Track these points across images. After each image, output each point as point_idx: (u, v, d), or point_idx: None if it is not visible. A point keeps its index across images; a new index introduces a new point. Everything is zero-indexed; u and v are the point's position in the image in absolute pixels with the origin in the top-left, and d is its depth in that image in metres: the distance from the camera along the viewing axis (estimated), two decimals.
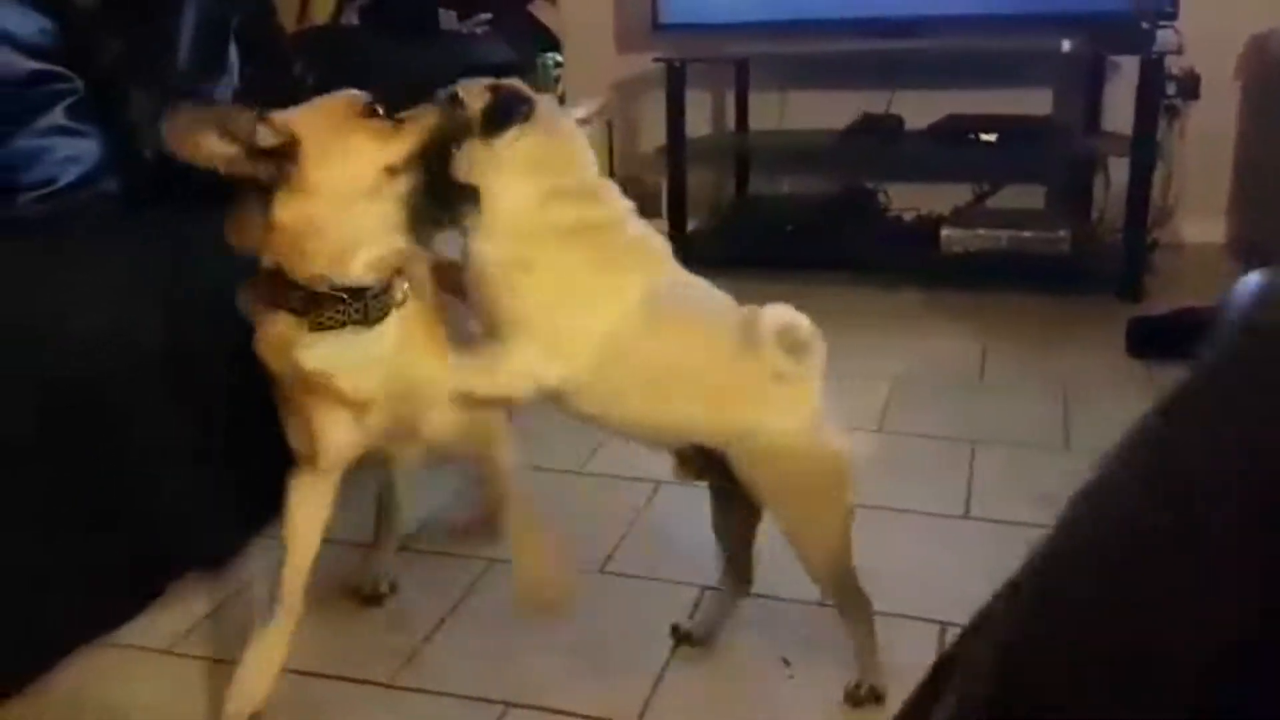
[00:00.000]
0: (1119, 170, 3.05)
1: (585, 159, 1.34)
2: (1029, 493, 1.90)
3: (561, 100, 2.94)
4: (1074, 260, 2.99)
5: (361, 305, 1.19)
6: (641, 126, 3.64)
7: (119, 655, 1.53)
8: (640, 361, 1.27)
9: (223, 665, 1.49)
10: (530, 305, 1.23)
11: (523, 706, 1.40)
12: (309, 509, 1.32)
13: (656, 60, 3.11)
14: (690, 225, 3.30)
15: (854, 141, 3.16)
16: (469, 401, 1.28)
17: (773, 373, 1.31)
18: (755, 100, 3.44)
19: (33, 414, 1.44)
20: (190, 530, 1.70)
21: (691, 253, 3.24)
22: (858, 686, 1.42)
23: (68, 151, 1.98)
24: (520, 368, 1.23)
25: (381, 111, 1.23)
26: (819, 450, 1.35)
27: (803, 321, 1.34)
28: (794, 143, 3.34)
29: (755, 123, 3.46)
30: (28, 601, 1.43)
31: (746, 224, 3.32)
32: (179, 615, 1.61)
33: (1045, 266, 3.02)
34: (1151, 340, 2.55)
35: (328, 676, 1.46)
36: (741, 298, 2.28)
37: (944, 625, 1.55)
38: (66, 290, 1.60)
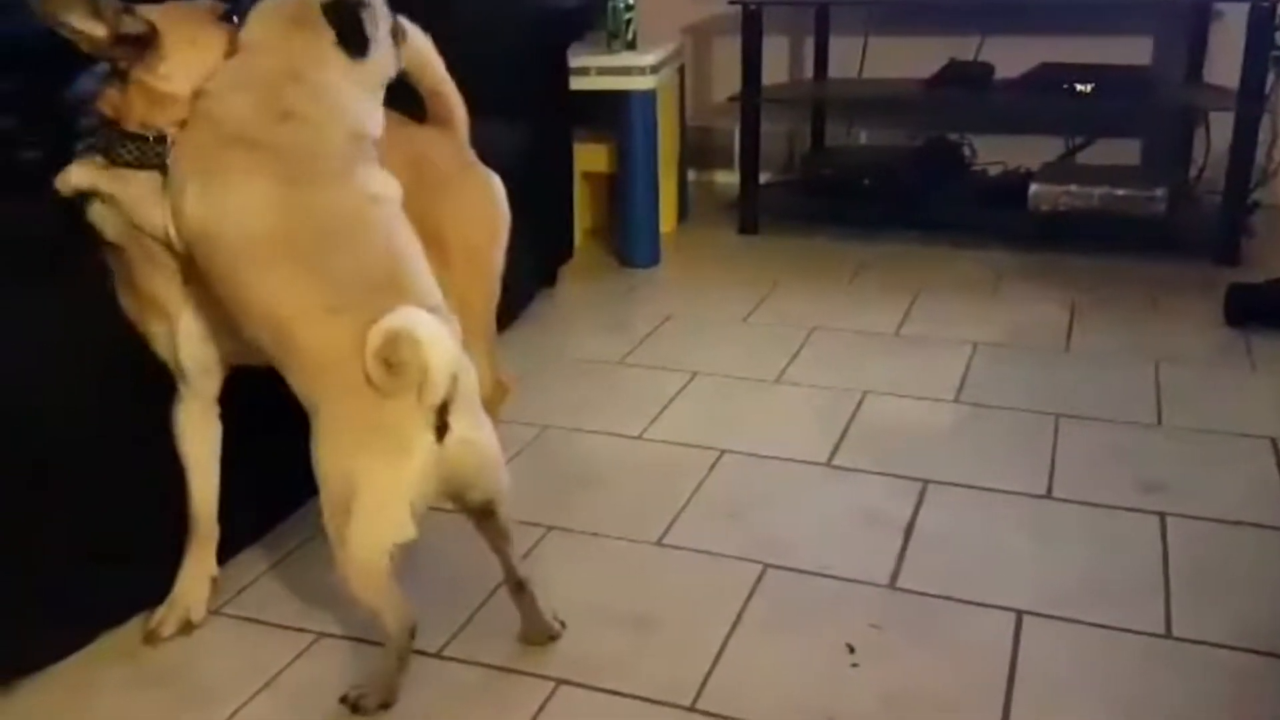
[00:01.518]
0: (1220, 126, 2.86)
1: None
2: (1117, 472, 1.79)
3: (633, 44, 2.85)
4: (1170, 221, 2.82)
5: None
6: (714, 73, 3.52)
7: None
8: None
9: (271, 627, 1.48)
10: None
11: (575, 684, 1.35)
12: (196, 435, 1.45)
13: (733, 3, 2.98)
14: (764, 178, 3.19)
15: (939, 91, 3.00)
16: None
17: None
18: (835, 46, 3.29)
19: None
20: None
21: (762, 206, 3.18)
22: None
23: None
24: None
25: (235, 20, 1.35)
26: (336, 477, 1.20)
27: (412, 335, 1.13)
28: (875, 92, 3.19)
29: (834, 70, 3.31)
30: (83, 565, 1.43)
31: (821, 177, 3.19)
32: (229, 576, 1.60)
33: (1139, 227, 2.85)
34: (1252, 310, 2.39)
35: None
36: (812, 255, 2.22)
37: (1020, 614, 1.46)
38: None
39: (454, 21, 2.51)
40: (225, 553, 1.55)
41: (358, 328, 1.14)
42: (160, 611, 1.47)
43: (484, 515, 1.35)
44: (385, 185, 1.32)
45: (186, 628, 1.47)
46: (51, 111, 1.50)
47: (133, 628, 1.47)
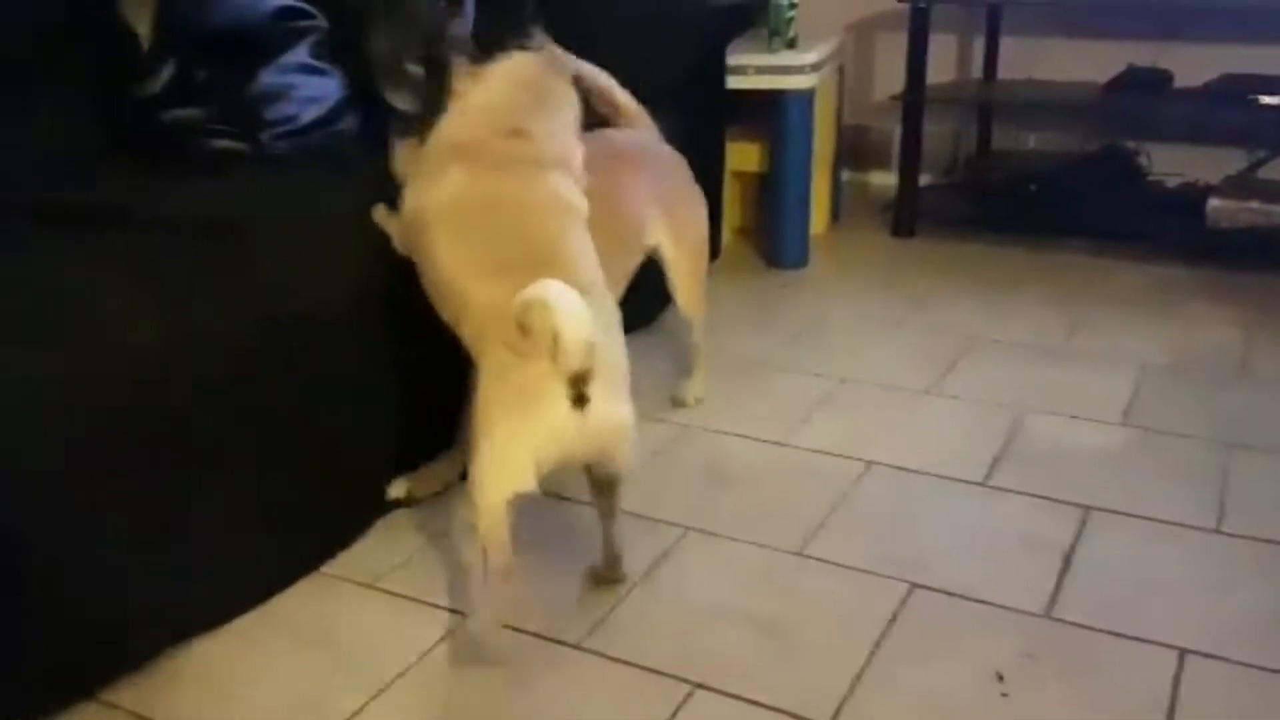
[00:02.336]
0: None
1: None
2: None
3: (794, 42, 2.81)
4: None
5: None
6: (875, 71, 3.44)
7: (329, 584, 1.58)
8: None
9: (422, 605, 1.52)
10: None
11: (711, 690, 1.34)
12: None
13: (901, 0, 2.91)
14: (923, 180, 3.10)
15: (1116, 96, 2.86)
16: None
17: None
18: (1006, 46, 3.17)
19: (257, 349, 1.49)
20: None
21: (920, 209, 3.10)
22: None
23: (310, 90, 2.03)
24: None
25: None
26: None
27: (544, 302, 1.23)
28: (1047, 95, 3.05)
29: (1003, 71, 3.19)
30: (256, 531, 1.51)
31: (986, 181, 3.09)
32: (384, 551, 1.65)
33: None
34: None
35: (518, 630, 1.46)
36: (970, 262, 2.15)
37: (1183, 652, 1.38)
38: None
39: (614, 23, 2.55)
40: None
41: (513, 293, 1.26)
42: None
43: (604, 488, 1.48)
44: (573, 196, 1.53)
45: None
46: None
47: (299, 590, 1.55)
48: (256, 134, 1.91)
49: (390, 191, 1.63)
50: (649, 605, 1.52)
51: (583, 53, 2.55)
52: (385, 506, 1.73)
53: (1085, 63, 2.99)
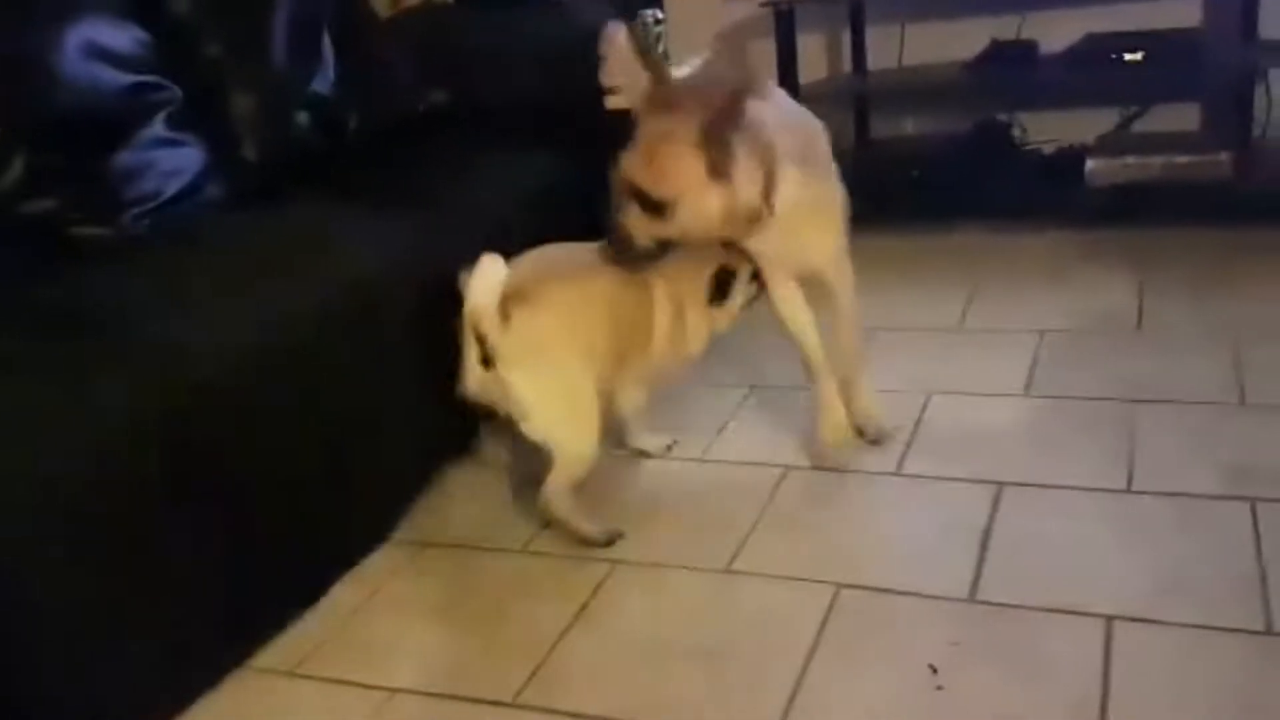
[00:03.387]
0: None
1: None
2: (1204, 459, 1.71)
3: (666, 58, 2.82)
4: (1236, 185, 2.71)
5: None
6: None
7: (255, 677, 1.53)
8: None
9: (346, 686, 1.47)
10: None
11: None
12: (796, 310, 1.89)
13: (764, 4, 2.93)
14: None
15: (983, 72, 2.92)
16: None
17: None
18: (872, 37, 3.22)
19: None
20: None
21: None
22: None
23: (170, 164, 1.98)
24: None
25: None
26: None
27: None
28: (918, 79, 3.11)
29: (873, 61, 3.24)
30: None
31: (869, 172, 3.13)
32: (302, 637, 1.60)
33: (1204, 195, 2.74)
34: None
35: (447, 696, 1.42)
36: (865, 252, 2.19)
37: (1110, 619, 1.39)
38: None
39: (481, 49, 2.54)
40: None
41: None
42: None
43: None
44: None
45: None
46: None
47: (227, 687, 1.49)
48: (117, 216, 1.85)
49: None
50: (584, 648, 1.49)
51: (460, 86, 2.54)
52: (307, 600, 1.67)
53: (951, 43, 3.05)
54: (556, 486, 1.70)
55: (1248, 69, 2.91)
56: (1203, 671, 1.30)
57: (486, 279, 1.60)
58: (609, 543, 1.70)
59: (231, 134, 2.21)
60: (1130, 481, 1.69)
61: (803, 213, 1.70)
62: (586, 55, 2.61)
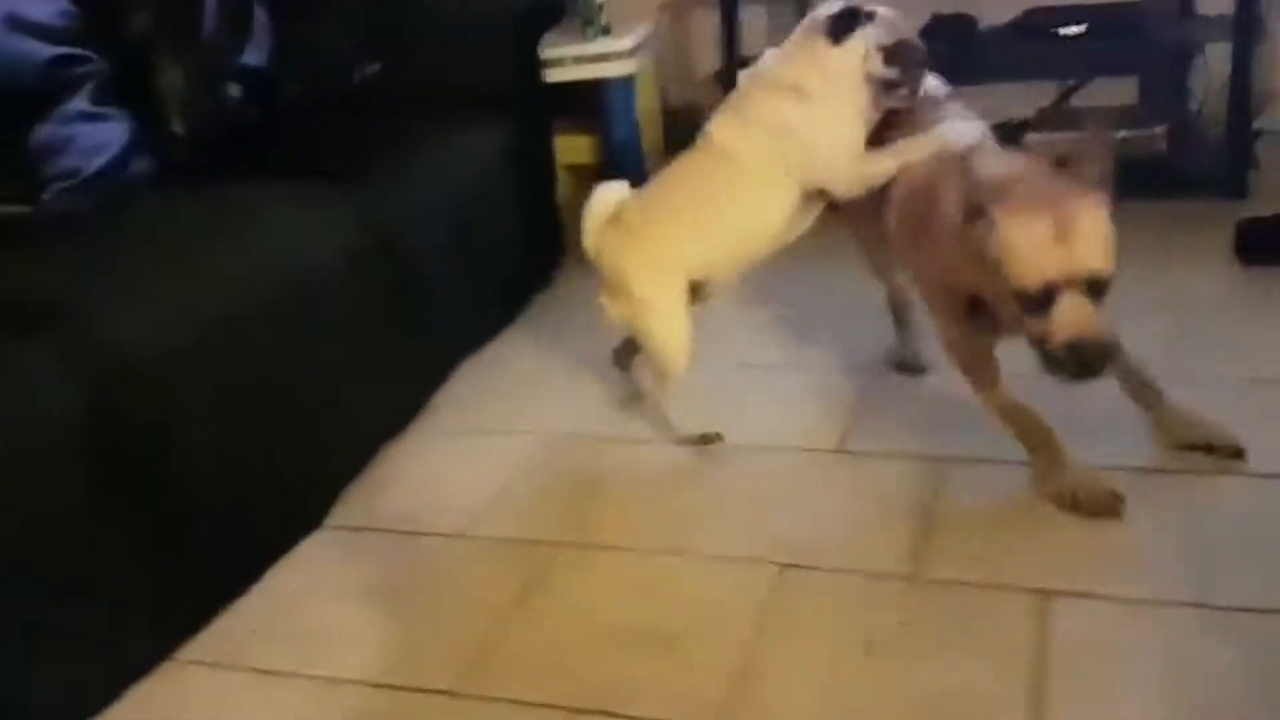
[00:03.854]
0: (1217, 56, 2.76)
1: None
2: (1143, 432, 1.73)
3: (607, 29, 2.78)
4: (1173, 159, 2.74)
5: None
6: (694, 50, 3.43)
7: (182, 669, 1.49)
8: None
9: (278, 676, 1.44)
10: None
11: (591, 712, 1.31)
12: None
13: None
14: None
15: (927, 45, 2.92)
16: None
17: None
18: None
19: None
20: None
21: None
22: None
23: (93, 139, 1.91)
24: None
25: None
26: None
27: None
28: None
29: None
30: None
31: None
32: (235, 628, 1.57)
33: (1141, 167, 2.76)
34: (1265, 244, 2.32)
35: (386, 686, 1.40)
36: (815, 229, 2.17)
37: (1047, 593, 1.41)
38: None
39: (415, 21, 2.48)
40: None
41: None
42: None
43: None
44: None
45: None
46: None
47: (156, 678, 1.44)
48: (36, 194, 1.78)
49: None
50: (528, 632, 1.47)
51: (395, 58, 2.48)
52: (239, 588, 1.63)
53: None
54: (653, 387, 1.92)
55: (1185, 44, 2.95)
56: (1142, 645, 1.31)
57: (594, 204, 1.84)
58: (706, 441, 1.86)
59: (159, 108, 2.15)
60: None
61: None
62: (524, 24, 2.57)
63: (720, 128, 1.88)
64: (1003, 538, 1.54)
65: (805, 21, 1.86)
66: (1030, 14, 2.87)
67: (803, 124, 1.78)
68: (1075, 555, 1.48)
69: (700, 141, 1.90)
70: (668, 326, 1.84)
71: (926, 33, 2.90)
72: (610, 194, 1.86)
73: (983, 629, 1.37)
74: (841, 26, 1.77)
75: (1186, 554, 1.45)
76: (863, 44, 1.77)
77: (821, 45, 1.78)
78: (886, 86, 1.78)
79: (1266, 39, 2.85)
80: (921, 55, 1.81)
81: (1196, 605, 1.35)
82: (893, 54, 1.79)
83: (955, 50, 2.93)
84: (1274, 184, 2.68)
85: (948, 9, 2.98)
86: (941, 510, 1.62)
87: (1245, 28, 2.56)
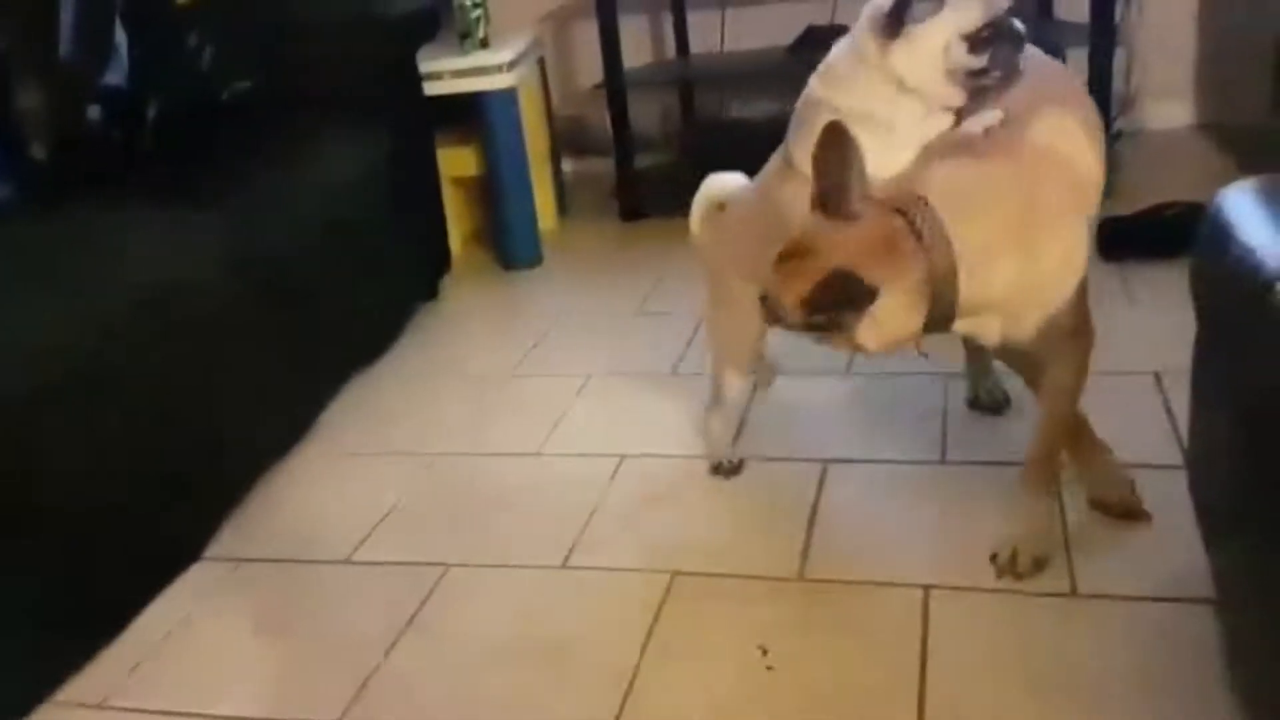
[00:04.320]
0: (1075, 60, 2.89)
1: None
2: (1009, 429, 1.79)
3: (485, 42, 2.77)
4: None
5: None
6: (577, 60, 3.45)
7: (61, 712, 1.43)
8: None
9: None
10: None
11: None
12: None
13: None
14: (643, 161, 3.14)
15: (800, 56, 2.98)
16: None
17: None
18: (694, 22, 3.25)
19: None
20: None
21: (644, 191, 3.12)
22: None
23: None
24: None
25: None
26: None
27: None
28: (738, 64, 3.16)
29: (698, 44, 3.27)
30: None
31: (696, 156, 3.16)
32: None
33: None
34: (1125, 241, 2.43)
35: None
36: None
37: (928, 589, 1.45)
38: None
39: (287, 35, 2.43)
40: None
41: None
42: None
43: None
44: None
45: None
46: None
47: None
48: None
49: None
50: (416, 657, 1.45)
51: (267, 73, 2.42)
52: (116, 625, 1.57)
53: (770, 28, 3.10)
54: (710, 397, 1.82)
55: (1045, 49, 3.06)
56: (1013, 633, 1.36)
57: (703, 192, 1.75)
58: (720, 472, 1.78)
59: (17, 133, 2.07)
60: (945, 454, 1.76)
61: None
62: (400, 36, 2.54)
63: (800, 150, 1.52)
64: (884, 535, 1.58)
65: (865, 9, 1.45)
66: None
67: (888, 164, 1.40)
68: (953, 549, 1.52)
69: (779, 162, 1.62)
70: (724, 332, 1.77)
71: (801, 43, 2.99)
72: (719, 184, 1.74)
73: (869, 625, 1.41)
74: (899, 18, 1.38)
75: (1055, 545, 1.51)
76: (941, 34, 1.39)
77: (876, 48, 1.41)
78: (972, 75, 1.41)
79: (1124, 44, 3.00)
80: (1017, 32, 1.41)
81: (1062, 595, 1.41)
82: (980, 37, 1.39)
83: None
84: (1133, 184, 2.80)
85: (821, 20, 3.06)
86: (826, 511, 1.65)
87: (1102, 32, 2.68)
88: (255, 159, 2.14)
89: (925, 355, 1.38)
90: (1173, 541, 1.43)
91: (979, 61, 1.39)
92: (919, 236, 1.27)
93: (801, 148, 1.49)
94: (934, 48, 1.39)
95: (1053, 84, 1.48)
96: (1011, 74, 1.41)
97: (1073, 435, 1.52)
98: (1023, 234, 1.30)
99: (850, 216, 1.29)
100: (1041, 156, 1.33)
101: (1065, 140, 1.36)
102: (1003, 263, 1.31)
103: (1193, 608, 1.33)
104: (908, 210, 1.29)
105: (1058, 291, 1.34)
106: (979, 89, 1.41)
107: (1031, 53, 1.47)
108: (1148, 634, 1.33)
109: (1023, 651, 1.33)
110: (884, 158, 1.38)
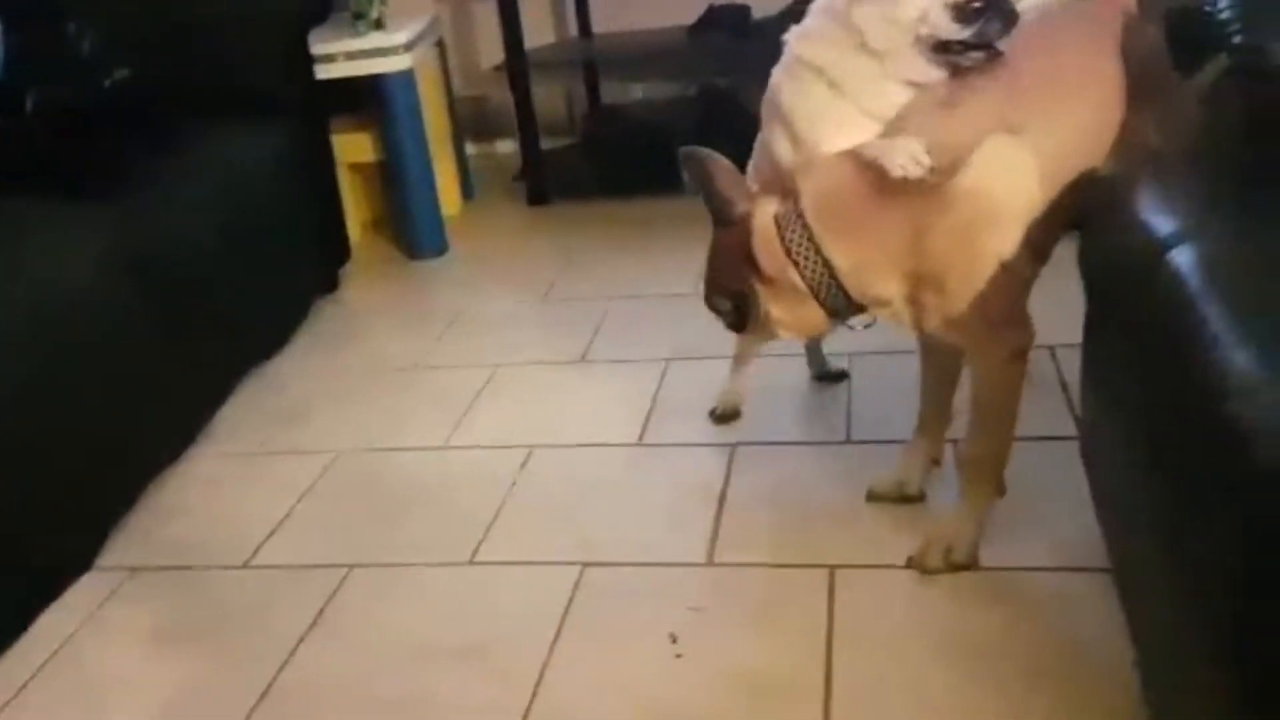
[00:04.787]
0: None
1: None
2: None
3: (380, 23, 2.69)
4: None
5: None
6: (478, 40, 3.39)
7: None
8: None
9: None
10: None
11: None
12: None
13: None
14: (548, 144, 3.10)
15: (702, 38, 2.97)
16: None
17: None
18: (596, 1, 3.21)
19: None
20: None
21: (549, 174, 3.07)
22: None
23: None
24: None
25: None
26: None
27: None
28: (641, 45, 3.13)
29: (601, 24, 3.23)
30: None
31: (601, 139, 3.14)
32: None
33: None
34: None
35: None
36: (605, 220, 2.15)
37: (833, 569, 1.45)
38: None
39: (173, 19, 2.33)
40: None
41: None
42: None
43: None
44: None
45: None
46: None
47: None
48: None
49: None
50: (321, 658, 1.42)
51: (152, 59, 2.32)
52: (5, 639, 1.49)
53: (672, 7, 3.07)
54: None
55: None
56: (920, 609, 1.38)
57: None
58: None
59: None
60: (849, 433, 1.78)
61: None
62: (289, 18, 2.46)
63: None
64: (791, 517, 1.59)
65: None
66: (799, 3, 2.95)
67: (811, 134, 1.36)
68: (858, 528, 1.54)
69: None
70: None
71: (702, 24, 2.97)
72: None
73: (776, 608, 1.41)
74: None
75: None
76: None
77: (843, 7, 1.32)
78: (943, 50, 1.31)
79: None
80: (1009, 8, 1.30)
81: (964, 568, 1.43)
82: (971, 7, 1.28)
83: (731, 41, 3.01)
84: None
85: (722, 0, 3.05)
86: (734, 495, 1.65)
87: None
88: (139, 150, 2.06)
89: (866, 326, 1.43)
90: (1069, 513, 1.46)
91: (960, 32, 1.28)
92: (786, 248, 1.31)
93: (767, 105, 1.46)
94: (908, 10, 1.29)
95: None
96: (992, 57, 1.30)
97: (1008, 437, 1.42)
98: (910, 260, 1.30)
99: (730, 223, 1.34)
100: (964, 198, 1.27)
101: (1002, 179, 1.27)
102: (885, 277, 1.32)
103: (1092, 576, 1.36)
104: (779, 220, 1.31)
105: (958, 298, 1.31)
106: (951, 66, 1.31)
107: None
108: (1050, 603, 1.36)
109: (928, 626, 1.35)
110: (820, 126, 1.34)
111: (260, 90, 2.31)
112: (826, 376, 1.94)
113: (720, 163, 1.38)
